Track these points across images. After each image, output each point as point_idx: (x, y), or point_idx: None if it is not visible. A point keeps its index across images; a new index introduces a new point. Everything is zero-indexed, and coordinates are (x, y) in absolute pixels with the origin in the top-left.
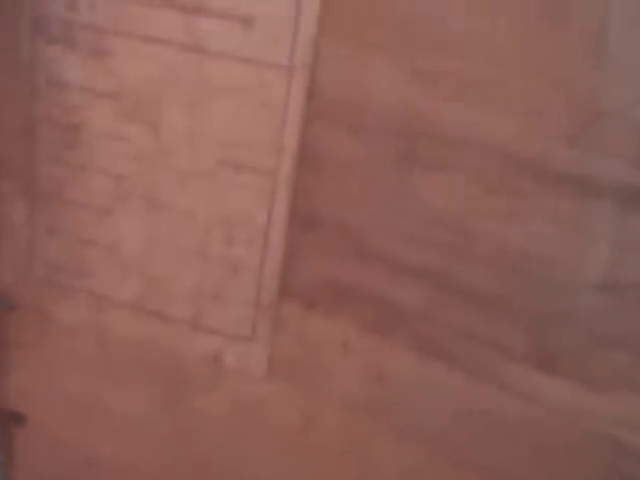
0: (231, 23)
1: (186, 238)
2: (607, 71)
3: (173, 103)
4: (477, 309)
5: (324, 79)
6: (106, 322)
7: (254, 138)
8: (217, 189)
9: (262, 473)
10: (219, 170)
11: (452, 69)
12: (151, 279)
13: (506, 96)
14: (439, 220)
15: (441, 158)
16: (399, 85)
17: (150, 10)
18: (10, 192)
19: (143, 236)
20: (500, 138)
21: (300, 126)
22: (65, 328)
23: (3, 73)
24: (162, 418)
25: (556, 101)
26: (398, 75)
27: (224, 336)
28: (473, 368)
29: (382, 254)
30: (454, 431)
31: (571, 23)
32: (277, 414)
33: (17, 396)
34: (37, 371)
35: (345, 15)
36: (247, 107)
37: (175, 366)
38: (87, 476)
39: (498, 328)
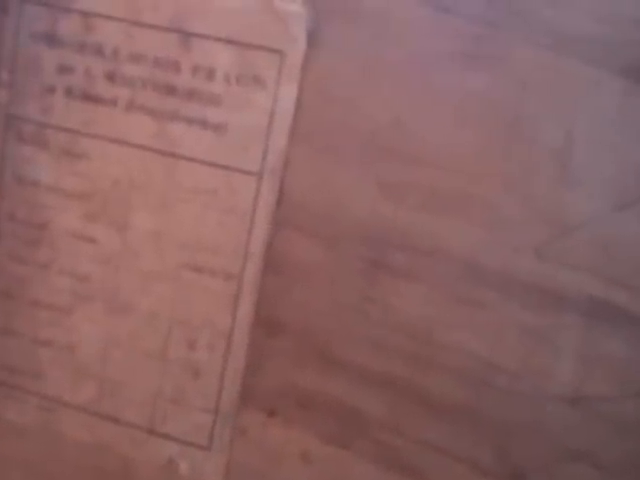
0: (203, 130)
1: (146, 341)
2: (572, 186)
3: (141, 205)
4: (442, 420)
5: (293, 187)
6: (58, 426)
7: (220, 242)
8: (180, 292)
9: None
10: (182, 273)
11: (419, 180)
12: (107, 382)
13: (473, 207)
14: (405, 329)
15: (409, 267)
16: (366, 196)
17: (124, 115)
18: None
19: (102, 338)
20: (467, 248)
21: (267, 232)
22: (14, 431)
23: None
24: None
25: (523, 213)
26: (365, 186)
27: (180, 443)
28: None
29: (346, 362)
30: None
31: (537, 138)
32: None
33: None
34: None
35: (316, 126)
36: (214, 211)
37: (128, 473)
38: None
39: (465, 441)
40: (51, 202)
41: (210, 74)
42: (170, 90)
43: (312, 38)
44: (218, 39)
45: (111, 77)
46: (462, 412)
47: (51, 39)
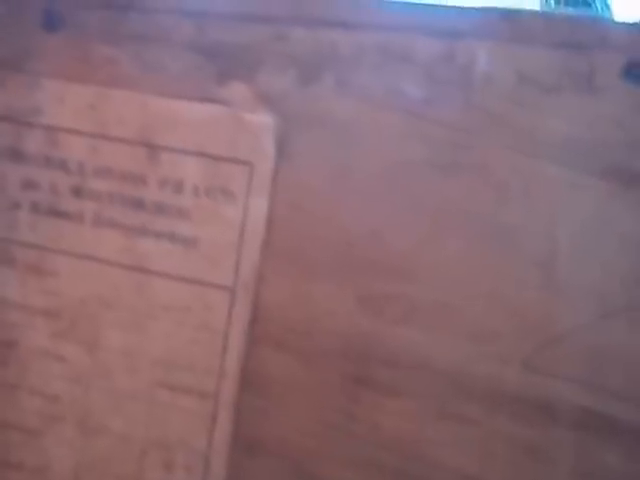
0: (173, 244)
1: (120, 464)
2: (557, 294)
3: (111, 323)
4: None
5: (268, 301)
6: None
7: (193, 360)
8: (154, 412)
9: None
10: (156, 392)
11: (399, 292)
12: None
13: (456, 319)
14: (391, 446)
15: (392, 382)
16: (345, 309)
17: (91, 230)
18: None
19: (73, 461)
20: (451, 361)
21: (242, 348)
22: None
23: None
24: None
25: (508, 324)
26: (343, 299)
27: None
28: None
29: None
30: None
31: (520, 247)
32: None
33: None
34: None
35: (289, 238)
36: (187, 328)
37: None
38: None
39: None
40: (19, 320)
41: (178, 187)
42: (137, 204)
43: (281, 149)
44: (186, 151)
45: (77, 192)
46: None
47: (15, 154)
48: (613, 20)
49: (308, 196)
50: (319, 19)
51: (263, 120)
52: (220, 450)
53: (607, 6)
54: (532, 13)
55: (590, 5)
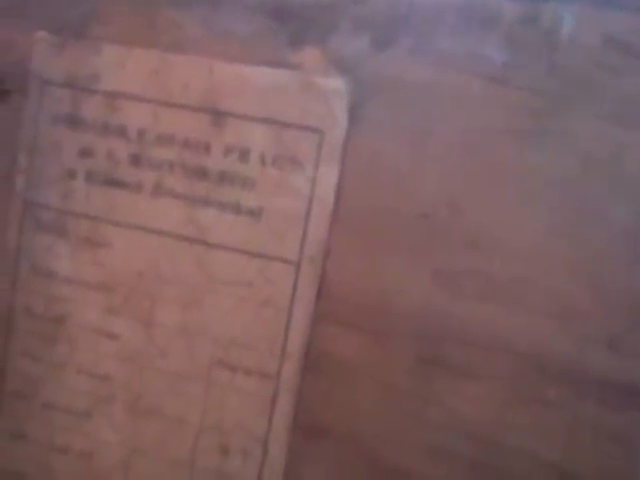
0: (236, 215)
1: (173, 448)
2: None
3: (168, 299)
4: None
5: (335, 277)
6: None
7: (255, 338)
8: (211, 393)
9: None
10: (214, 372)
11: (478, 267)
12: None
13: (538, 296)
14: (466, 433)
15: (467, 364)
16: (419, 285)
17: (150, 200)
18: None
19: (123, 445)
20: (532, 342)
21: (306, 327)
22: None
23: None
24: None
25: (593, 301)
26: (418, 275)
27: None
28: None
29: (399, 470)
30: None
31: (607, 218)
32: None
33: None
34: None
35: (360, 210)
36: (249, 304)
37: None
38: None
39: None
40: (70, 294)
41: (244, 155)
42: (200, 173)
43: (354, 115)
44: (253, 118)
45: (136, 160)
46: None
47: (73, 121)
48: None
49: (381, 165)
50: None
51: (335, 85)
52: (280, 434)
53: None
54: None
55: None
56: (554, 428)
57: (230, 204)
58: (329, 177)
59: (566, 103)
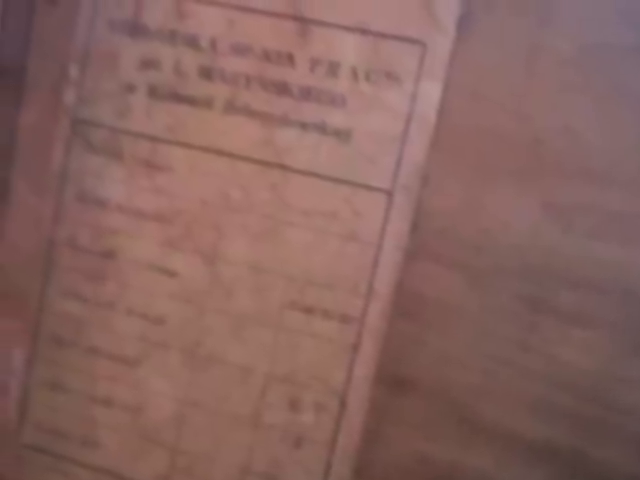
0: (321, 137)
1: (236, 402)
2: None
3: (237, 230)
4: None
5: (432, 209)
6: None
7: (337, 276)
8: (283, 339)
9: None
10: (287, 315)
11: (594, 201)
12: (182, 455)
13: None
14: (573, 387)
15: (578, 308)
16: (526, 219)
17: (221, 118)
18: (10, 332)
19: (178, 397)
20: None
21: (397, 265)
22: None
23: (27, 184)
24: None
25: None
26: (525, 208)
27: None
28: None
29: (495, 428)
30: None
31: None
32: None
33: None
34: None
35: (464, 133)
36: (331, 238)
37: None
38: None
39: None
40: (122, 225)
41: (332, 69)
42: (282, 89)
43: (462, 26)
44: (344, 27)
45: (207, 73)
46: None
47: (134, 28)
48: None
49: (490, 82)
50: None
51: None
52: (360, 387)
53: None
54: None
55: None
56: None
57: (314, 124)
58: (431, 94)
59: None
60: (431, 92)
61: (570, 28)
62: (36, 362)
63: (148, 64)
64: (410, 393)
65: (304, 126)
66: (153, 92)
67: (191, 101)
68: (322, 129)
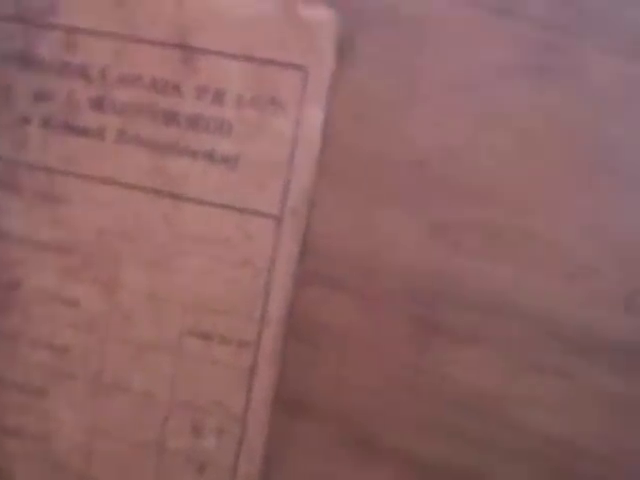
0: (210, 164)
1: (140, 428)
2: None
3: (134, 259)
4: None
5: (321, 232)
6: None
7: (232, 302)
8: (182, 365)
9: None
10: (186, 341)
11: (479, 219)
12: None
13: (546, 253)
14: (466, 405)
15: (468, 327)
16: (414, 241)
17: (113, 148)
18: None
19: (85, 426)
20: (541, 303)
21: (289, 289)
22: None
23: None
24: None
25: (607, 259)
26: (413, 229)
27: None
28: None
29: (391, 448)
30: None
31: (623, 168)
32: None
33: None
34: None
35: (349, 157)
36: (224, 264)
37: None
38: None
39: None
40: (24, 256)
41: (218, 96)
42: (170, 117)
43: (342, 50)
44: (228, 54)
45: (98, 103)
46: None
47: (26, 61)
48: None
49: (372, 106)
50: None
51: (322, 17)
52: (259, 410)
53: None
54: None
55: None
56: (562, 399)
57: (203, 151)
58: (314, 119)
59: (578, 37)
60: (314, 117)
61: (450, 50)
62: None
63: (41, 96)
64: (308, 416)
65: (194, 154)
66: (47, 124)
67: (84, 132)
68: (210, 156)
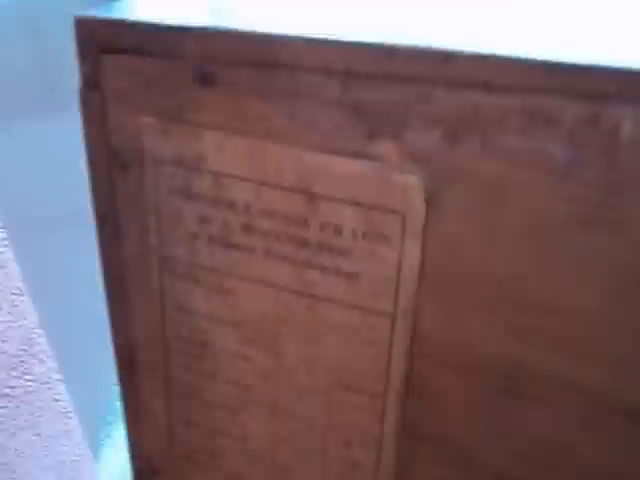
0: (337, 277)
1: (307, 441)
2: None
3: (288, 335)
4: None
5: (426, 327)
6: None
7: (363, 367)
8: (332, 404)
9: None
10: (333, 390)
11: (542, 326)
12: (277, 467)
13: (600, 351)
14: (537, 444)
15: (541, 396)
16: (495, 337)
17: (263, 261)
18: (150, 389)
19: (269, 434)
20: (598, 385)
21: (404, 362)
22: None
23: (140, 297)
24: None
25: None
26: (493, 329)
27: None
28: None
29: (486, 465)
30: None
31: None
32: None
33: None
34: None
35: (442, 276)
36: (355, 343)
37: None
38: None
39: None
40: (209, 327)
41: (338, 230)
42: (302, 242)
43: (430, 202)
44: (342, 200)
45: (247, 229)
46: None
47: (188, 194)
48: None
49: (458, 244)
50: (462, 80)
51: (411, 181)
52: (389, 436)
53: None
54: None
55: None
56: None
57: (330, 268)
58: (414, 250)
59: (625, 197)
60: (413, 249)
61: (518, 205)
62: (172, 408)
63: (203, 220)
64: (424, 442)
65: (323, 269)
66: (211, 240)
67: (239, 248)
68: (336, 272)
